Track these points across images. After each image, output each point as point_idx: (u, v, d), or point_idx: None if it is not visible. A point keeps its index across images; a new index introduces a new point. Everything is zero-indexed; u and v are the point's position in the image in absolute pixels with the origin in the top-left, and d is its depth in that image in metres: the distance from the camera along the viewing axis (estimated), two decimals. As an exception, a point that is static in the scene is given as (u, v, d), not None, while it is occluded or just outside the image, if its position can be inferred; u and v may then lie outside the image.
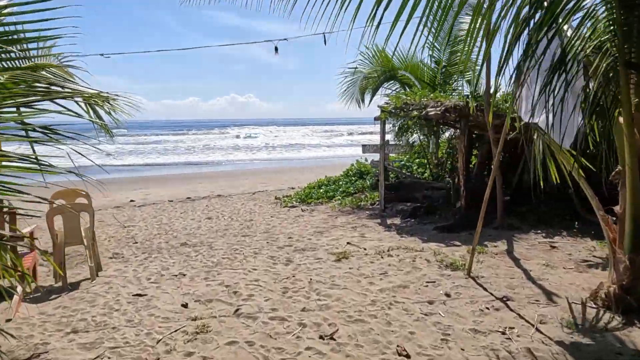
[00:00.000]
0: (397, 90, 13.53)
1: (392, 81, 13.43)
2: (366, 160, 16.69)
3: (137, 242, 9.55)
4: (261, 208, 13.32)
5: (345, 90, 13.93)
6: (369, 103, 13.56)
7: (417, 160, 15.03)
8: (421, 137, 12.31)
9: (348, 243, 8.47)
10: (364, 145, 14.86)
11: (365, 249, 8.06)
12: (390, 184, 11.84)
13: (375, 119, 11.28)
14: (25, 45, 4.21)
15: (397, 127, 11.27)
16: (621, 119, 5.03)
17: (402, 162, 14.11)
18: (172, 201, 16.26)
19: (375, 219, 10.74)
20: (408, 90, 12.56)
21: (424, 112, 9.42)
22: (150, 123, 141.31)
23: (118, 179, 27.15)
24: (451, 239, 8.64)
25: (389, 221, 10.44)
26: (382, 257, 7.55)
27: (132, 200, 17.01)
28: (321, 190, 14.24)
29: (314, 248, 8.31)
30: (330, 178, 15.83)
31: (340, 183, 15.01)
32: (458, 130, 10.63)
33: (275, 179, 21.92)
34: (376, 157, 16.73)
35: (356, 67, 13.71)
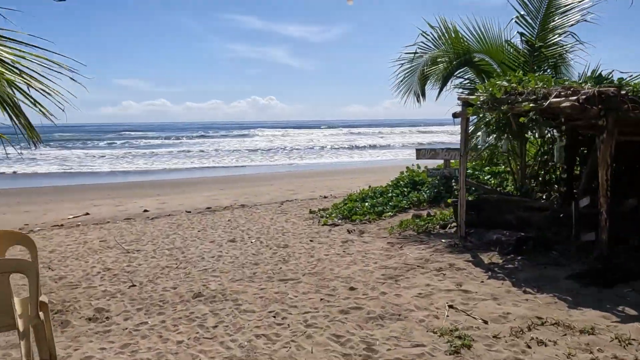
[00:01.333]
0: (469, 80, 10.19)
1: (465, 68, 10.07)
2: (418, 167, 13.39)
3: (135, 285, 6.40)
4: (295, 226, 10.07)
5: (402, 80, 10.58)
6: (437, 96, 10.22)
7: (486, 168, 11.70)
8: (501, 139, 9.06)
9: (450, 307, 5.14)
10: (418, 150, 11.58)
11: (485, 322, 4.73)
12: (469, 201, 8.51)
13: (455, 115, 7.96)
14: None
15: (488, 126, 8.06)
16: None
17: (468, 171, 10.78)
18: (189, 212, 13.14)
19: (461, 253, 7.39)
20: (485, 79, 9.27)
21: (544, 103, 6.12)
22: (174, 125, 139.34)
23: (134, 183, 24.17)
24: (613, 301, 5.15)
25: (484, 258, 7.06)
26: (528, 347, 4.23)
27: (145, 210, 13.93)
28: (366, 204, 10.92)
29: (399, 315, 4.96)
30: (376, 189, 12.47)
31: (390, 195, 11.65)
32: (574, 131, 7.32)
33: (303, 186, 18.68)
34: (429, 163, 13.40)
35: (415, 52, 10.39)
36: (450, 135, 56.54)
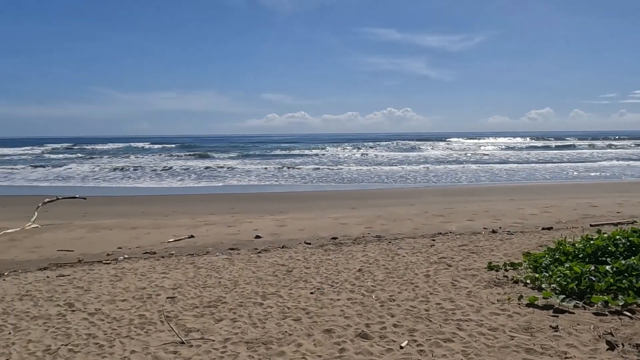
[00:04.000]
0: None
1: None
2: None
3: None
4: (474, 303, 5.02)
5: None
6: None
7: None
8: None
9: None
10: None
11: None
12: None
13: None
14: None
15: None
16: None
17: None
18: (309, 245, 9.22)
19: None
20: None
21: None
22: (314, 136, 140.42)
23: (261, 195, 21.20)
24: None
25: None
26: None
27: (258, 237, 10.33)
28: (609, 269, 5.64)
29: None
30: (619, 235, 6.83)
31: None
32: None
33: (454, 209, 13.80)
34: None
35: None
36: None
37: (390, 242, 9.05)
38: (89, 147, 74.63)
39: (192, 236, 10.61)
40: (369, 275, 6.57)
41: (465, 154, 49.76)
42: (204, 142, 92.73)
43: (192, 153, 54.12)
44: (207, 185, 24.52)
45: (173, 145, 75.61)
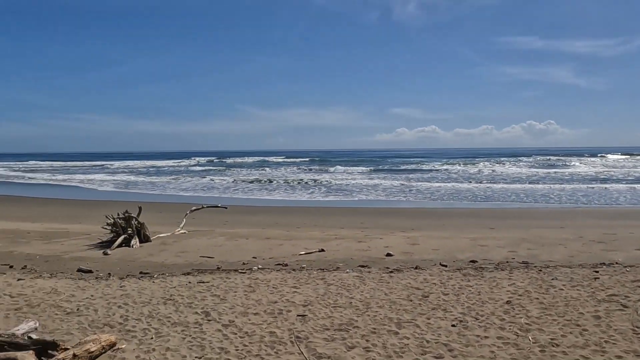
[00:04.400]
0: None
1: None
2: None
3: None
4: None
5: None
6: None
7: None
8: None
9: None
10: None
11: None
12: None
13: None
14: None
15: None
16: None
17: None
18: (445, 267, 8.46)
19: None
20: None
21: None
22: (444, 151, 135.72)
23: (393, 210, 20.59)
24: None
25: None
26: None
27: (389, 254, 9.83)
28: None
29: None
30: None
31: None
32: None
33: (618, 236, 11.81)
34: None
35: None
36: None
37: (540, 271, 7.88)
38: (230, 160, 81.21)
39: (323, 250, 10.45)
40: (520, 309, 5.65)
41: (622, 171, 43.60)
42: (334, 156, 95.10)
43: (322, 167, 55.65)
44: (336, 199, 24.71)
45: (306, 159, 78.71)
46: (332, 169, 51.54)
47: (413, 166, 55.99)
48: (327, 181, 34.87)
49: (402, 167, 54.32)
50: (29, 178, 43.65)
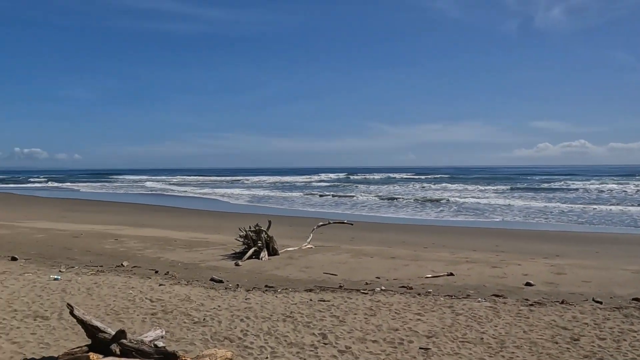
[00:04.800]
0: None
1: None
2: None
3: None
4: None
5: None
6: None
7: None
8: None
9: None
10: None
11: None
12: None
13: None
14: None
15: None
16: None
17: None
18: (600, 303, 7.17)
19: None
20: None
21: None
22: (595, 168, 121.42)
23: (534, 233, 18.55)
24: None
25: None
26: None
27: (528, 284, 8.72)
28: None
29: None
30: None
31: None
32: None
33: None
34: None
35: None
36: None
37: None
38: (358, 176, 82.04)
39: (452, 274, 9.67)
40: None
41: None
42: (466, 173, 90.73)
43: (453, 184, 53.26)
44: (467, 219, 23.21)
45: (436, 176, 76.27)
46: (463, 187, 49.03)
47: (556, 185, 50.68)
48: (457, 199, 33.14)
49: (544, 186, 49.49)
50: (179, 191, 48.79)
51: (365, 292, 8.11)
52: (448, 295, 7.79)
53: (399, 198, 35.10)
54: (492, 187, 47.37)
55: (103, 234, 15.73)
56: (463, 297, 7.69)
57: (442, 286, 8.62)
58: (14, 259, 11.01)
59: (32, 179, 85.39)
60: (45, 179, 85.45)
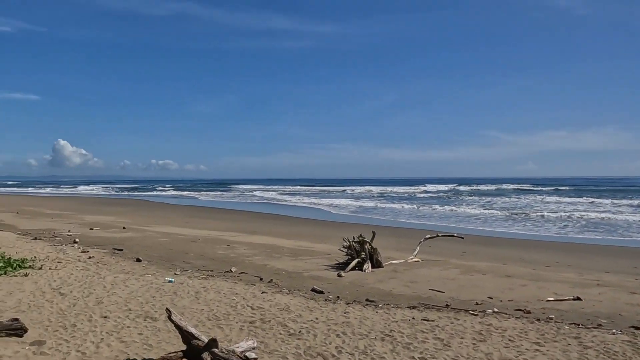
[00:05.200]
0: None
1: None
2: None
3: None
4: None
5: None
6: None
7: None
8: None
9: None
10: None
11: None
12: None
13: None
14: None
15: None
16: None
17: None
18: None
19: None
20: None
21: None
22: None
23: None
24: None
25: None
26: None
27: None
28: None
29: None
30: None
31: None
32: None
33: None
34: None
35: None
36: None
37: None
38: (469, 187, 77.83)
39: (579, 298, 8.44)
40: None
41: None
42: (594, 184, 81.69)
43: (578, 197, 48.06)
44: (596, 237, 20.56)
45: (560, 188, 69.63)
46: (591, 200, 44.00)
47: None
48: (584, 213, 29.72)
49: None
50: (290, 200, 50.37)
51: (475, 313, 7.36)
52: (574, 324, 6.75)
53: (516, 211, 32.48)
54: (628, 201, 41.81)
55: (217, 240, 16.57)
56: (593, 327, 6.61)
57: (567, 312, 7.53)
58: (138, 260, 11.97)
59: (158, 188, 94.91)
60: (170, 188, 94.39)
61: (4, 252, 10.76)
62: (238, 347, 4.49)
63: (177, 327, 4.53)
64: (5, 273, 9.12)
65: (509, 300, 8.38)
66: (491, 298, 8.60)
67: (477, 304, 8.15)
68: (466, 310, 7.51)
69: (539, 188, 68.86)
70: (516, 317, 7.11)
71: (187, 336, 4.45)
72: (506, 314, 7.36)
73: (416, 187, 79.10)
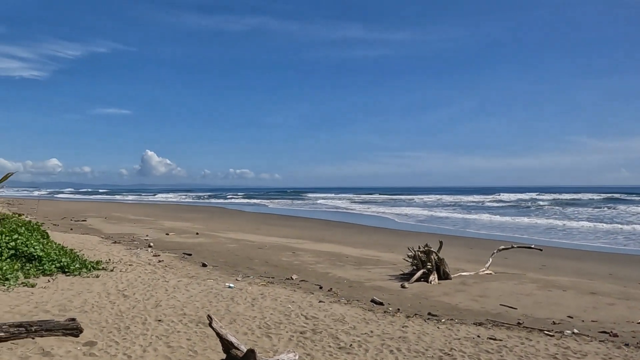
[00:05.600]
0: None
1: None
2: None
3: None
4: None
5: None
6: None
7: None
8: None
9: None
10: None
11: None
12: None
13: None
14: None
15: None
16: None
17: None
18: None
19: None
20: None
21: None
22: None
23: None
24: None
25: None
26: None
27: None
28: None
29: None
30: None
31: None
32: None
33: None
34: None
35: None
36: None
37: None
38: (550, 195, 72.56)
39: (679, 322, 7.31)
40: None
41: None
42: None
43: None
44: None
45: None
46: None
47: None
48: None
49: None
50: (360, 209, 49.86)
51: (551, 334, 6.57)
52: (672, 352, 5.78)
53: (605, 222, 29.69)
54: None
55: (283, 247, 16.58)
56: (698, 358, 5.61)
57: (664, 338, 6.51)
58: (204, 265, 12.19)
59: (229, 196, 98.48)
60: (241, 195, 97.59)
61: (83, 254, 11.39)
62: (278, 359, 4.24)
63: (218, 334, 4.37)
64: (79, 274, 9.61)
65: (592, 321, 7.44)
66: (571, 317, 7.69)
67: (554, 323, 7.31)
68: (541, 330, 6.74)
69: (633, 197, 62.78)
70: (600, 341, 6.25)
71: (227, 345, 4.27)
72: (588, 336, 6.50)
73: (492, 196, 75.25)
